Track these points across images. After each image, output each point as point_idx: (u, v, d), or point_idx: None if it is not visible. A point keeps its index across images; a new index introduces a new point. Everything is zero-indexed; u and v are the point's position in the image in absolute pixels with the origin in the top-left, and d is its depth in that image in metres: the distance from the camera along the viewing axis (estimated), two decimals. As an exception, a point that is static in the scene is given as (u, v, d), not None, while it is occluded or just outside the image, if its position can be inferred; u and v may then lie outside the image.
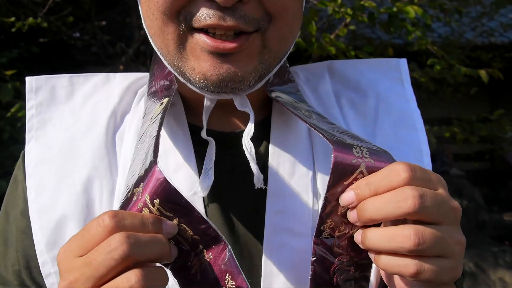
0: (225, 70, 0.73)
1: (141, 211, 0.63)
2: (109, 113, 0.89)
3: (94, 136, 0.87)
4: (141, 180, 0.64)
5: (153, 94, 0.86)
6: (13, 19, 3.39)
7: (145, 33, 0.81)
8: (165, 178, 0.62)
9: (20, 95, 3.07)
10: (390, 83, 0.98)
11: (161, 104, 0.78)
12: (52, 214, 0.82)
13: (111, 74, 0.95)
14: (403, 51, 5.04)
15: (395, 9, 2.64)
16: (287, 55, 0.84)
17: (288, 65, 0.94)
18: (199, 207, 0.80)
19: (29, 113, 0.90)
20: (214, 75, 0.73)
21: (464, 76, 3.35)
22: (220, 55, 0.72)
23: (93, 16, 4.51)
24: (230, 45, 0.71)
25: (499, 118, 4.32)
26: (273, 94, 0.84)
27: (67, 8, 4.06)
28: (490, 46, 7.01)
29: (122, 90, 0.92)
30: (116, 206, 0.81)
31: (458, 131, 4.10)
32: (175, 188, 0.63)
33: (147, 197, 0.63)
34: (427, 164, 0.90)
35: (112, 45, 4.49)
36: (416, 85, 6.10)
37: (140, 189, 0.63)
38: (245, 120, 0.83)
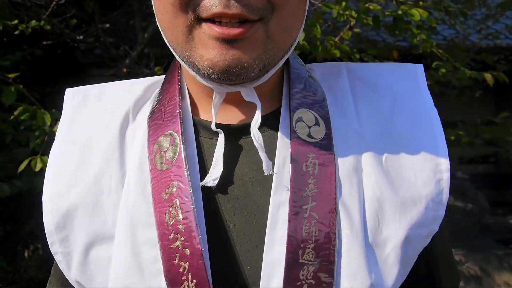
0: (230, 56, 0.77)
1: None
2: (125, 112, 0.97)
3: (109, 133, 0.94)
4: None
5: (156, 118, 0.92)
6: (16, 21, 3.38)
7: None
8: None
9: (23, 98, 3.07)
10: (407, 85, 0.99)
11: (171, 142, 0.87)
12: (65, 200, 0.90)
13: (137, 79, 1.04)
14: (408, 54, 5.03)
15: (400, 12, 2.62)
16: (292, 48, 0.87)
17: (304, 65, 0.99)
18: (198, 196, 0.85)
19: (63, 115, 0.99)
20: (221, 61, 0.77)
21: (469, 79, 3.32)
22: (226, 42, 0.76)
23: (97, 18, 4.51)
24: (235, 31, 0.75)
25: (504, 121, 4.30)
26: (296, 116, 0.88)
27: (70, 11, 4.05)
28: (495, 48, 6.98)
29: (141, 90, 1.00)
30: (123, 194, 0.87)
31: (462, 134, 4.07)
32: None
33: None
34: (444, 160, 0.91)
35: (116, 47, 4.48)
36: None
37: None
38: (251, 113, 0.88)
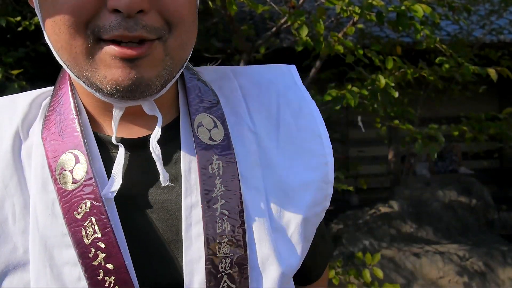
0: (134, 75, 0.79)
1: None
2: (14, 131, 0.92)
3: (1, 156, 0.90)
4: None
5: (53, 135, 0.90)
6: (19, 18, 3.38)
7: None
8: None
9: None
10: (286, 82, 1.08)
11: (77, 160, 0.87)
12: None
13: (17, 95, 0.99)
14: (411, 49, 5.02)
15: (403, 8, 2.61)
16: (187, 61, 0.92)
17: (197, 74, 1.04)
18: (113, 211, 0.87)
19: None
20: (126, 80, 0.79)
21: (473, 74, 3.32)
22: (127, 61, 0.79)
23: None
24: (136, 51, 0.78)
25: (508, 117, 4.28)
26: (196, 122, 0.94)
27: (73, 7, 4.04)
28: (499, 44, 6.96)
29: (26, 106, 0.96)
30: (31, 219, 0.86)
31: (466, 129, 4.06)
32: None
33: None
34: (327, 145, 1.02)
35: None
36: (424, 83, 6.08)
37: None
38: (153, 124, 0.91)
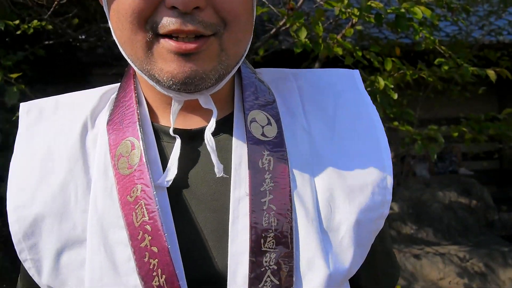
0: (189, 68, 0.84)
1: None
2: (83, 121, 1.01)
3: (70, 143, 0.98)
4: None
5: (115, 125, 0.98)
6: (17, 21, 3.38)
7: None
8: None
9: (25, 98, 3.06)
10: (345, 85, 1.10)
11: (132, 147, 0.93)
12: (29, 210, 0.93)
13: (90, 90, 1.09)
14: (410, 51, 5.02)
15: (402, 9, 2.61)
16: (243, 57, 0.96)
17: (254, 71, 1.07)
18: (164, 198, 0.92)
19: (20, 129, 1.03)
20: (180, 73, 0.84)
21: (472, 75, 3.31)
22: (183, 56, 0.83)
23: (99, 17, 4.50)
24: (191, 45, 0.82)
25: (508, 117, 4.27)
26: (249, 117, 0.97)
27: (72, 10, 4.05)
28: (498, 45, 6.95)
29: (96, 99, 1.05)
30: (91, 201, 0.92)
31: (466, 130, 4.06)
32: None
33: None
34: (385, 149, 1.01)
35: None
36: (423, 84, 6.08)
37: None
38: (209, 117, 0.95)
